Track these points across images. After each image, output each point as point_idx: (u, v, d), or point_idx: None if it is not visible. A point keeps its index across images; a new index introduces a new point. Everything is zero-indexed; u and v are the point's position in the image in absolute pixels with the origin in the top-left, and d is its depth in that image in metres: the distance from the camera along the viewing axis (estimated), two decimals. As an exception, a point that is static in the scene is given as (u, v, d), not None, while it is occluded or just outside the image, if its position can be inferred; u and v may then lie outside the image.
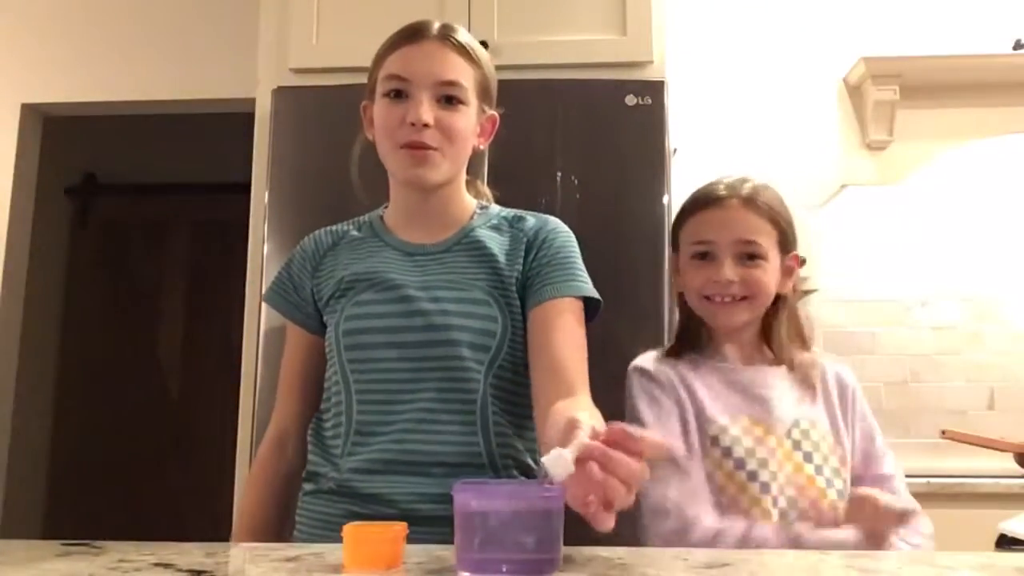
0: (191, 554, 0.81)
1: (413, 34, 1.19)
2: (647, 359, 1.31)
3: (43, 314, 3.47)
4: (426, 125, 1.14)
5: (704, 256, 1.28)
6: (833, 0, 2.81)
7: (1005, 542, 1.88)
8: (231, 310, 2.32)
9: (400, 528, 0.80)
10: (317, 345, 1.24)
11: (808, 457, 1.22)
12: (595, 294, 1.19)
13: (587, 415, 0.84)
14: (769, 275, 1.27)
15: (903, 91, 2.62)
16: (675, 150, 2.26)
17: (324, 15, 2.19)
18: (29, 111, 2.97)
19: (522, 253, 1.21)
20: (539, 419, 1.08)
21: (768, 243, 1.27)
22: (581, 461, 0.72)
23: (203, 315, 3.90)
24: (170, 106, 2.95)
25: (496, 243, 1.22)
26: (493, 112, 1.27)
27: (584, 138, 2.01)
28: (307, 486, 1.20)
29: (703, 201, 1.30)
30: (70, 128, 3.23)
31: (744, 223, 1.27)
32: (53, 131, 3.11)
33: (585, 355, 1.14)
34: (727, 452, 1.20)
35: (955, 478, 2.05)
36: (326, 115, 2.04)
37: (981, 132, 2.70)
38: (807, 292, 2.57)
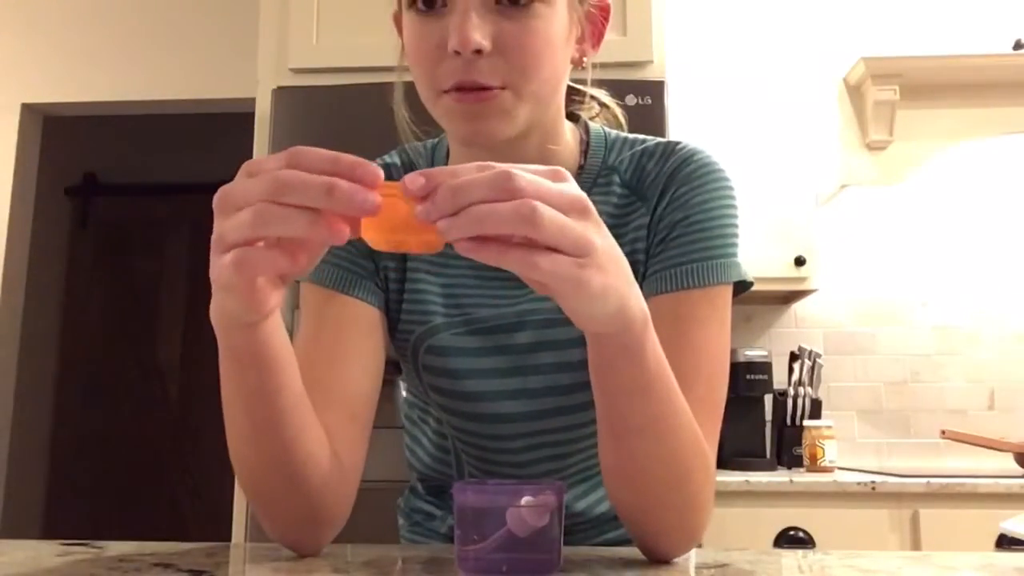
0: (191, 554, 0.81)
1: None
2: None
3: (43, 314, 3.47)
4: (478, 52, 0.72)
5: None
6: (833, 0, 2.81)
7: (1005, 542, 1.89)
8: (231, 310, 2.32)
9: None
10: (383, 324, 0.86)
11: None
12: (746, 276, 0.81)
13: None
14: None
15: (903, 91, 2.62)
16: (675, 150, 2.26)
17: (324, 15, 2.19)
18: (29, 111, 2.97)
19: (644, 231, 0.84)
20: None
21: None
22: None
23: (203, 315, 3.87)
24: (170, 106, 2.96)
25: (609, 220, 0.82)
26: None
27: (584, 138, 2.01)
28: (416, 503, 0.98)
29: None
30: (70, 128, 3.24)
31: None
32: (53, 131, 3.11)
33: (716, 372, 0.77)
34: None
35: (955, 478, 2.05)
36: (326, 115, 2.04)
37: (981, 132, 2.70)
38: (807, 292, 2.57)
